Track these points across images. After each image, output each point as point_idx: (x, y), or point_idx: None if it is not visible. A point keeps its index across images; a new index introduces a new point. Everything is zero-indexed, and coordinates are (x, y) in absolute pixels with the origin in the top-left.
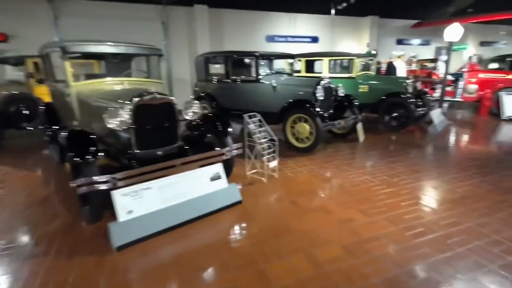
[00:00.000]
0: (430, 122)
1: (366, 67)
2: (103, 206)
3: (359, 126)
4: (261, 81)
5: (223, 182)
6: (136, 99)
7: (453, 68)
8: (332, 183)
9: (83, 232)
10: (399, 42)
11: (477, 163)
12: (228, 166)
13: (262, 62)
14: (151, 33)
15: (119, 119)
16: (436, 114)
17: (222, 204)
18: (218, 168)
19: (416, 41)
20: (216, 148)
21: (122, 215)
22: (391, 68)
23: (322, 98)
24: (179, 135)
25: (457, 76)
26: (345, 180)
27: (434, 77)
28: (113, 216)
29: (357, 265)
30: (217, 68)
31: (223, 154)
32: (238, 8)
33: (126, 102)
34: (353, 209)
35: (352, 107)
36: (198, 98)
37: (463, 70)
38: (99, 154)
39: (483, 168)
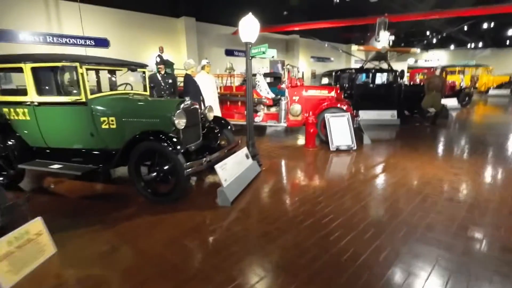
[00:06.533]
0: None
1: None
2: None
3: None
4: None
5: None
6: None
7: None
8: None
9: None
10: (229, 53)
11: None
12: None
13: None
14: None
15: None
16: (229, 166)
17: None
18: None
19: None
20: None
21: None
22: (189, 83)
23: None
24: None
25: (281, 94)
26: None
27: (254, 95)
28: None
29: None
30: None
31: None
32: None
33: None
34: None
35: None
36: None
37: (282, 86)
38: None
39: None
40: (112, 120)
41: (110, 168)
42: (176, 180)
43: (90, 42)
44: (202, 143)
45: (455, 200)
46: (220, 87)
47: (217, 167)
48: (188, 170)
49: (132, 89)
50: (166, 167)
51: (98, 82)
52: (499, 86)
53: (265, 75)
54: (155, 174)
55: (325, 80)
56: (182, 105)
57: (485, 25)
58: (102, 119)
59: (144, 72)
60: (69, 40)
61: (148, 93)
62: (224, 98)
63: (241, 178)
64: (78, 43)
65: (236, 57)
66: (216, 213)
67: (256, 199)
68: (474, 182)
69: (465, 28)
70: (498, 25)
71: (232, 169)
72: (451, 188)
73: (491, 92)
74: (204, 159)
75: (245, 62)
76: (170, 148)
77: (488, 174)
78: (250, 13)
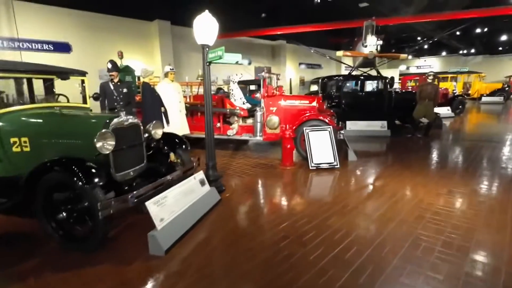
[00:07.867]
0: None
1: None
2: None
3: None
4: None
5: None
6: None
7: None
8: None
9: None
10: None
11: None
12: None
13: None
14: None
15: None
16: (171, 199)
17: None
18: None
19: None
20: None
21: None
22: (146, 93)
23: None
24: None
25: (257, 103)
26: None
27: (228, 105)
28: None
29: None
30: None
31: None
32: None
33: None
34: None
35: None
36: None
37: (256, 96)
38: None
39: None
40: (25, 142)
41: (17, 203)
42: (93, 223)
43: (48, 47)
44: (147, 166)
45: (456, 246)
46: (190, 97)
47: (150, 203)
48: (104, 211)
49: (68, 101)
50: (80, 205)
51: (32, 93)
52: (492, 93)
53: (248, 82)
54: (65, 214)
55: (314, 88)
56: (112, 123)
57: (477, 31)
58: (12, 140)
59: (83, 81)
60: (23, 45)
61: (88, 105)
62: (194, 109)
63: (188, 213)
64: (34, 47)
65: (216, 64)
66: (141, 269)
67: (201, 245)
68: (479, 215)
69: (457, 34)
70: (490, 31)
71: (176, 202)
72: (450, 225)
73: (484, 99)
74: (131, 194)
75: (202, 67)
76: (81, 182)
77: (495, 203)
78: (207, 11)
